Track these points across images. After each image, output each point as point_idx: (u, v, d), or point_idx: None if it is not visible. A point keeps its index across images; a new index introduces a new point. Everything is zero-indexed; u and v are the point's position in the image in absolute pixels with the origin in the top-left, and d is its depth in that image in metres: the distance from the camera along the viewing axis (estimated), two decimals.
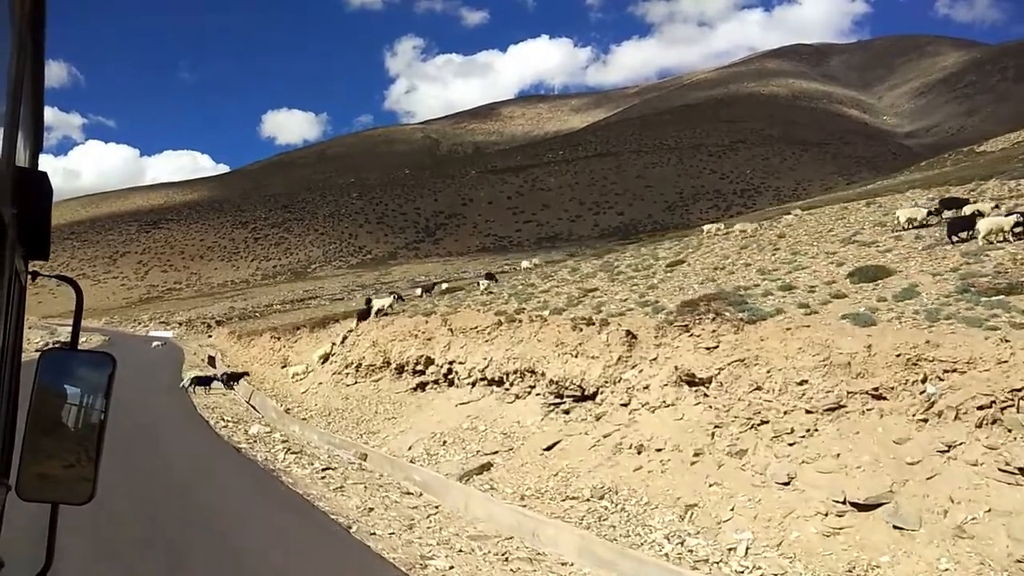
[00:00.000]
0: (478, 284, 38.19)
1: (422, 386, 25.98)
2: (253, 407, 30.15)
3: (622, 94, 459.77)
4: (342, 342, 34.07)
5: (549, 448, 17.42)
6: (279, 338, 44.09)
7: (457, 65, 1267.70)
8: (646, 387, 16.78)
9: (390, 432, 23.61)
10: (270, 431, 24.23)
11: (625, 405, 17.04)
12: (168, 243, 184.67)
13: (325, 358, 34.38)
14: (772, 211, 54.26)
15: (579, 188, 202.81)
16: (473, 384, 23.04)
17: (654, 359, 17.23)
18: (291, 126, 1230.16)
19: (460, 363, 24.08)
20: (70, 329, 2.38)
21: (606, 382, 17.90)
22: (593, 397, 18.17)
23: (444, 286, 43.83)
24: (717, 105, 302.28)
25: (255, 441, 21.94)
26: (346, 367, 31.28)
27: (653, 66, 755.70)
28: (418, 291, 43.97)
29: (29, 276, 2.56)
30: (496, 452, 18.49)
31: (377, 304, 36.28)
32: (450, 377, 24.72)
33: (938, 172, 54.45)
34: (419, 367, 26.39)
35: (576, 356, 19.01)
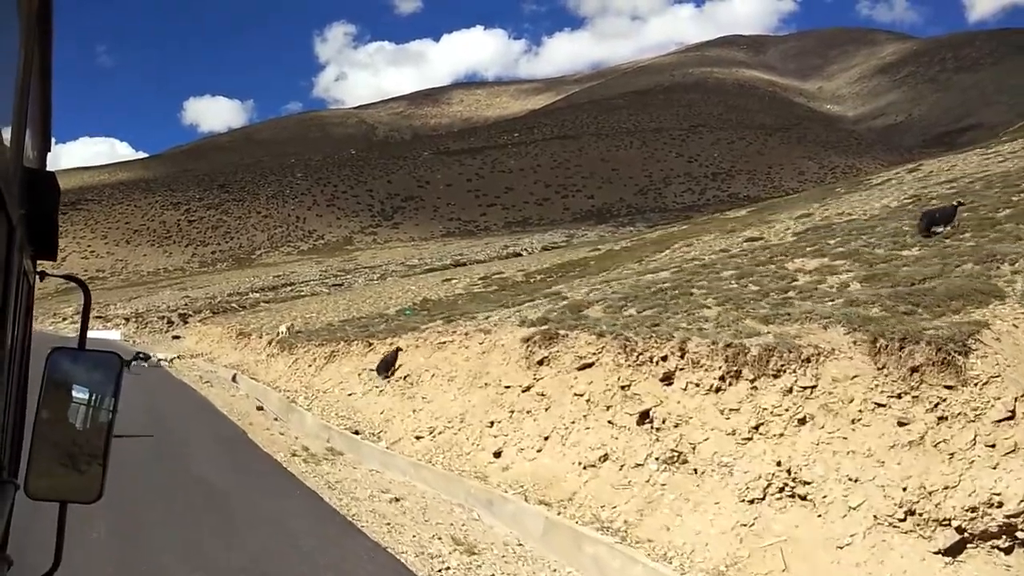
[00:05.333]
0: None
1: None
2: None
3: (561, 82, 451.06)
4: None
5: None
6: (655, 362, 12.10)
7: (389, 53, 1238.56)
8: None
9: None
10: None
11: None
12: (88, 226, 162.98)
13: None
14: None
15: (542, 171, 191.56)
16: None
17: None
18: (215, 113, 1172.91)
19: None
20: None
21: None
22: None
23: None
24: (667, 91, 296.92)
25: None
26: None
27: (586, 59, 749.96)
28: None
29: (37, 276, 2.56)
30: None
31: None
32: None
33: None
34: None
35: None
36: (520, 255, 73.91)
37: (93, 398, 2.28)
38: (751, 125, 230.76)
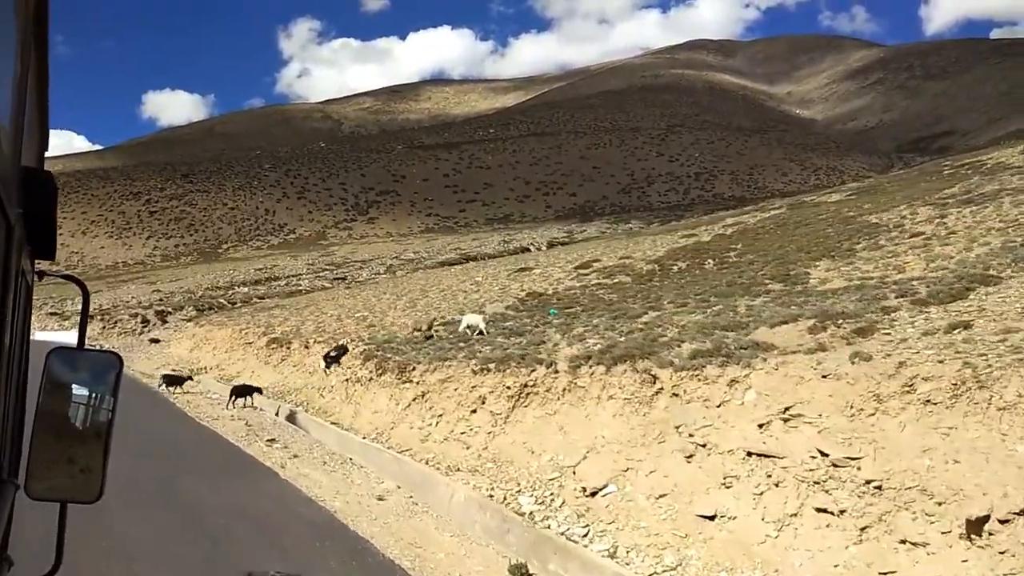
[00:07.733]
0: None
1: None
2: None
3: (531, 81, 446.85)
4: None
5: None
6: None
7: (355, 50, 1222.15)
8: None
9: None
10: None
11: None
12: None
13: None
14: None
15: (521, 167, 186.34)
16: None
17: None
18: (175, 108, 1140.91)
19: None
20: None
21: None
22: None
23: None
24: (641, 91, 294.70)
25: None
26: None
27: (552, 61, 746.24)
28: None
29: (35, 275, 2.58)
30: None
31: None
32: None
33: None
34: None
35: None
36: (528, 250, 68.41)
37: (92, 398, 2.22)
38: (728, 127, 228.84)
